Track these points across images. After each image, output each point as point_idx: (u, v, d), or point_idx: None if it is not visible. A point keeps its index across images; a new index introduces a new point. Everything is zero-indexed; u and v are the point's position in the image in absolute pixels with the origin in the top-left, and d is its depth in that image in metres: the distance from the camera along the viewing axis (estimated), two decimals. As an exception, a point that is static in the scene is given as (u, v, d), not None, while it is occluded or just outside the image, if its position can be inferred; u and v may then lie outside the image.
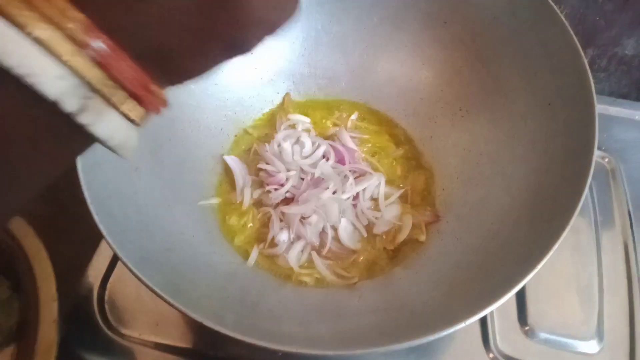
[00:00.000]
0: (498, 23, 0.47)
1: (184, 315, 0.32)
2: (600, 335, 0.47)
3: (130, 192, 0.41)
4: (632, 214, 0.55)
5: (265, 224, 0.48)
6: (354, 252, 0.46)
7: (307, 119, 0.54)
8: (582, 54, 0.40)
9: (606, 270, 0.51)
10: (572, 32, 0.41)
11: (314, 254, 0.46)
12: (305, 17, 0.54)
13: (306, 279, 0.45)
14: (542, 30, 0.43)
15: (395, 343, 0.31)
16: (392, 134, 0.55)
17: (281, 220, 0.47)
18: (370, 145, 0.54)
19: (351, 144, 0.52)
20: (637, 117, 0.61)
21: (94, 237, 0.53)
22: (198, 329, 0.46)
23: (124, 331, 0.46)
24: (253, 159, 0.52)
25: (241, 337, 0.30)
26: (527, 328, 0.48)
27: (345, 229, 0.46)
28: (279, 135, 0.52)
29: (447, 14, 0.50)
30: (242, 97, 0.54)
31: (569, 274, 0.50)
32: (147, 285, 0.32)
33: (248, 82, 0.54)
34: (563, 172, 0.38)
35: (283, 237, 0.46)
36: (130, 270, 0.32)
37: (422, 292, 0.39)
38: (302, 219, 0.46)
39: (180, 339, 0.46)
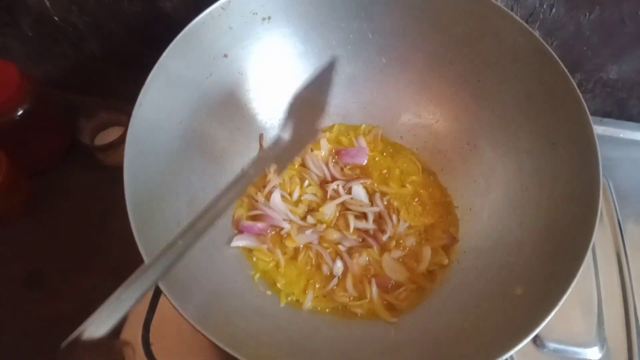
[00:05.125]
0: (501, 66, 0.51)
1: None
2: (601, 342, 0.53)
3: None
4: (622, 227, 0.60)
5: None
6: (400, 284, 0.50)
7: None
8: (583, 101, 0.44)
9: (603, 282, 0.56)
10: (572, 80, 0.45)
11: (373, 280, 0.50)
12: (318, 60, 0.57)
13: (358, 310, 0.48)
14: (544, 76, 0.47)
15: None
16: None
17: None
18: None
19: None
20: (621, 135, 0.67)
21: (112, 266, 0.55)
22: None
23: (172, 371, 0.49)
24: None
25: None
26: (537, 339, 0.53)
27: (387, 262, 0.51)
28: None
29: (453, 55, 0.54)
30: (263, 136, 0.57)
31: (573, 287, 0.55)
32: (211, 340, 0.35)
33: (267, 124, 0.57)
34: (572, 209, 0.43)
35: (339, 265, 0.50)
36: (195, 328, 0.36)
37: (452, 323, 0.43)
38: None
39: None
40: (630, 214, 0.61)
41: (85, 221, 0.68)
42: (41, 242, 0.67)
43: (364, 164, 0.57)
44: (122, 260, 0.50)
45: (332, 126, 0.60)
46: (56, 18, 0.67)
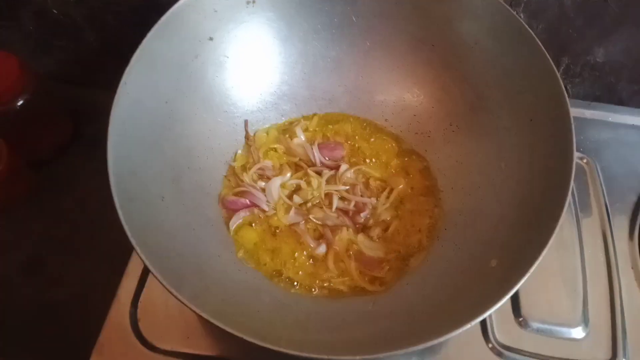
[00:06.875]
0: (481, 47, 0.51)
1: (219, 330, 0.36)
2: (585, 321, 0.53)
3: (158, 221, 0.45)
4: (608, 208, 0.60)
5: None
6: (382, 260, 0.51)
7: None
8: (559, 77, 0.44)
9: (588, 261, 0.56)
10: (549, 57, 0.46)
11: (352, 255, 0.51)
12: (304, 45, 0.58)
13: (342, 287, 0.49)
14: (522, 54, 0.48)
15: (410, 346, 0.36)
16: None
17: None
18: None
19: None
20: (609, 118, 0.67)
21: (109, 254, 0.56)
22: (224, 339, 0.50)
23: (157, 346, 0.50)
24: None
25: (287, 350, 0.34)
26: (520, 319, 0.53)
27: (363, 242, 0.52)
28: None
29: (434, 38, 0.54)
30: (249, 121, 0.58)
31: (555, 267, 0.56)
32: (200, 315, 0.36)
33: (254, 107, 0.59)
34: (547, 182, 0.43)
35: (321, 249, 0.51)
36: (185, 304, 0.36)
37: (429, 296, 0.44)
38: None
39: (209, 349, 0.50)
40: (617, 195, 0.61)
41: (84, 210, 0.69)
42: (41, 230, 0.68)
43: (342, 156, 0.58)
44: (119, 248, 0.51)
45: (312, 117, 0.61)
46: (55, 11, 0.68)
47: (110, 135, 0.42)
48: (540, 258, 0.38)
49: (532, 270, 0.38)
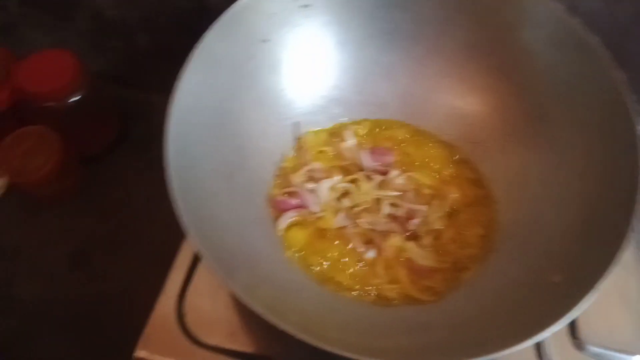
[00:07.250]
0: (539, 55, 0.50)
1: (265, 326, 0.36)
2: (650, 350, 0.50)
3: (211, 217, 0.45)
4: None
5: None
6: (434, 270, 0.50)
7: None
8: (624, 91, 0.43)
9: (654, 285, 0.53)
10: (615, 69, 0.44)
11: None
12: (357, 49, 0.58)
13: (391, 294, 0.48)
14: (583, 65, 0.46)
15: (467, 358, 0.35)
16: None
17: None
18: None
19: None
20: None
21: (154, 251, 0.57)
22: (268, 337, 0.50)
23: (202, 340, 0.49)
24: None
25: (337, 351, 0.34)
26: (577, 340, 0.50)
27: (414, 250, 0.51)
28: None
29: (491, 46, 0.53)
30: (299, 124, 0.59)
31: (615, 288, 0.52)
32: (246, 312, 0.36)
33: (305, 110, 0.59)
34: (612, 198, 0.42)
35: (370, 254, 0.50)
36: (238, 297, 0.36)
37: (484, 309, 0.43)
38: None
39: (254, 346, 0.49)
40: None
41: (131, 207, 0.70)
42: (87, 225, 0.69)
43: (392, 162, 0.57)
44: (163, 247, 0.52)
45: (362, 121, 0.60)
46: (109, 13, 0.70)
47: (169, 129, 0.43)
48: (607, 278, 0.37)
49: (599, 289, 0.36)
